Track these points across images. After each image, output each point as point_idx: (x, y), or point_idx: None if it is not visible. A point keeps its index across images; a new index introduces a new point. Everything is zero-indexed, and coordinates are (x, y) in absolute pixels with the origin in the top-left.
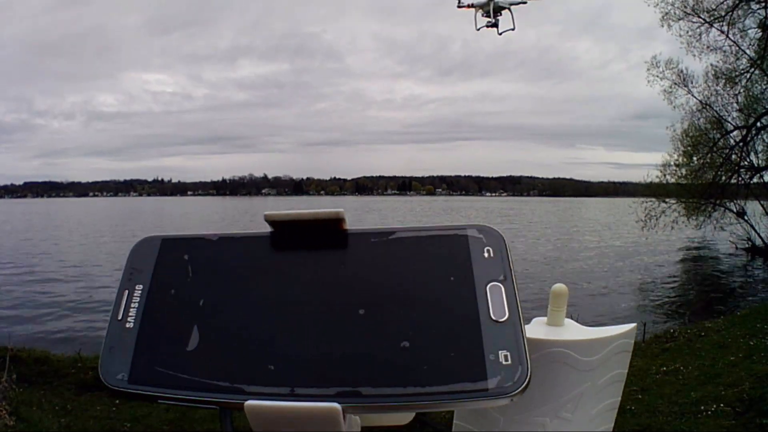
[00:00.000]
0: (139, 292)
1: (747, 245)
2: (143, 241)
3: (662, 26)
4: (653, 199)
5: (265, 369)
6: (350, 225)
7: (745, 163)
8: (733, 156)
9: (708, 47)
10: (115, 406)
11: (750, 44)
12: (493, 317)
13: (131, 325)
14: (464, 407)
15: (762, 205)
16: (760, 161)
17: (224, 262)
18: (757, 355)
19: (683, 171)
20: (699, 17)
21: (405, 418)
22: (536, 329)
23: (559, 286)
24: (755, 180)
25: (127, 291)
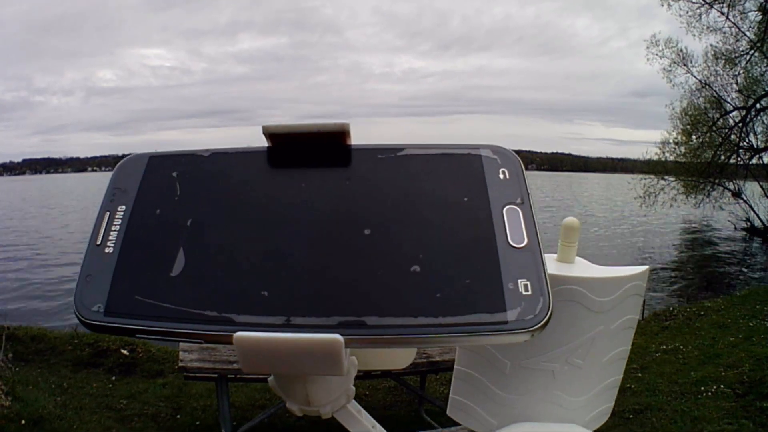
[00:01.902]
0: (121, 213)
1: (746, 225)
2: (128, 159)
3: (662, 5)
4: (652, 176)
5: (258, 296)
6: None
7: (744, 143)
8: (732, 136)
9: (708, 28)
10: (112, 383)
11: (750, 26)
12: (512, 243)
13: (111, 250)
14: (481, 342)
15: (761, 186)
16: (759, 142)
17: (216, 180)
18: (756, 336)
19: (682, 149)
20: None
21: (405, 360)
22: (547, 265)
23: (571, 220)
24: (754, 161)
25: (108, 213)
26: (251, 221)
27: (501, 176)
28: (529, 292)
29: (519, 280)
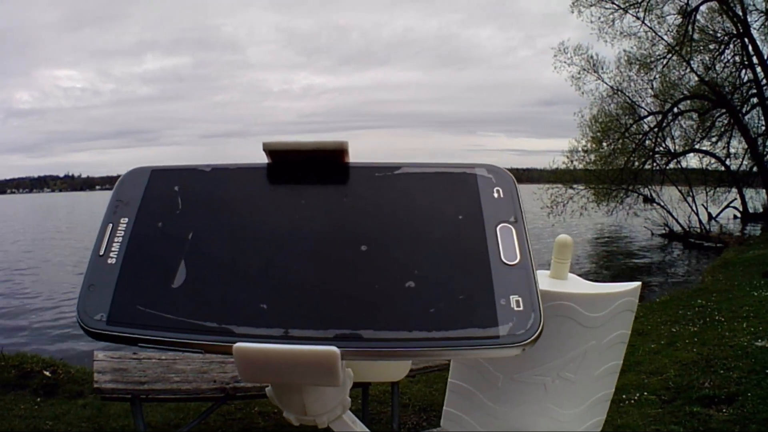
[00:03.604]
0: (124, 225)
1: (664, 231)
2: (131, 172)
3: (572, 12)
4: (560, 185)
5: (257, 309)
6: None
7: (661, 148)
8: (648, 141)
9: (621, 33)
10: (37, 405)
11: (668, 30)
12: (504, 260)
13: (113, 261)
14: (473, 356)
15: (679, 190)
16: (677, 147)
17: (217, 195)
18: (680, 342)
19: (592, 157)
20: (613, 3)
21: (399, 373)
22: (539, 281)
23: (564, 237)
24: (672, 165)
25: (111, 225)
26: (251, 236)
27: (495, 195)
28: (521, 308)
29: (511, 296)
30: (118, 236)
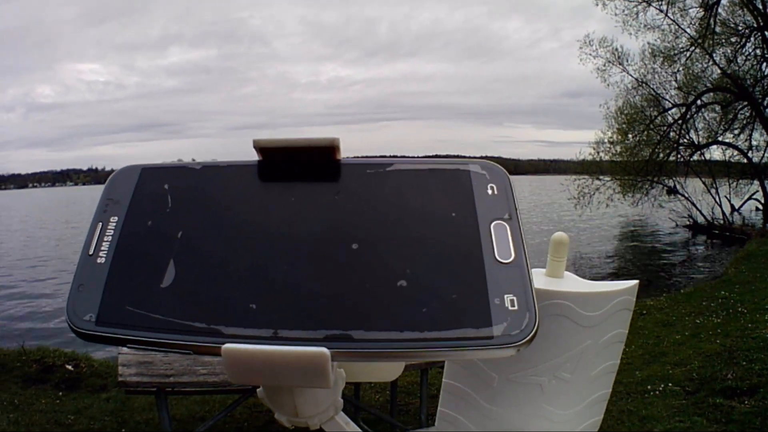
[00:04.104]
0: (114, 224)
1: (688, 222)
2: (121, 170)
3: (596, 5)
4: (586, 177)
5: (246, 309)
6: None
7: (685, 140)
8: (672, 133)
9: (645, 26)
10: (59, 399)
11: (691, 23)
12: (498, 258)
13: (103, 260)
14: (466, 357)
15: (703, 182)
16: (700, 139)
17: (207, 193)
18: (704, 333)
19: (618, 148)
20: None
21: (393, 373)
22: (535, 280)
23: (560, 235)
24: (696, 157)
25: (101, 223)
26: (241, 235)
27: (489, 192)
28: (516, 308)
29: (505, 296)
30: (108, 235)
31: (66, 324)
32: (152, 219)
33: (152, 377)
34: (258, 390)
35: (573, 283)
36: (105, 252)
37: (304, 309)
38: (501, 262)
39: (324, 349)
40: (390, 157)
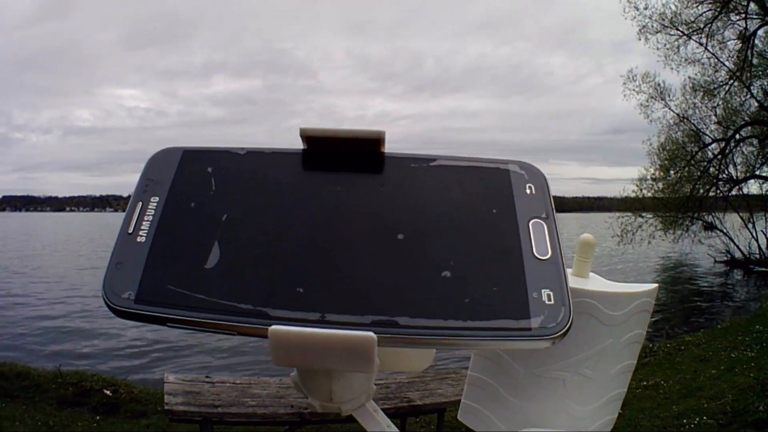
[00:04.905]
0: (155, 204)
1: (726, 258)
2: (162, 151)
3: (639, 39)
4: (629, 214)
5: (293, 292)
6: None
7: (724, 175)
8: (711, 169)
9: (686, 60)
10: (96, 423)
11: (729, 56)
12: (536, 254)
13: (143, 239)
14: (505, 347)
15: (741, 217)
16: (738, 173)
17: (251, 178)
18: (739, 367)
19: (660, 185)
20: (677, 30)
21: (422, 364)
22: None
23: (587, 236)
24: (734, 192)
25: (140, 203)
26: (286, 220)
27: (528, 191)
28: (552, 302)
29: (543, 290)
30: (148, 215)
31: (103, 302)
32: (195, 200)
33: (199, 407)
34: (291, 375)
35: (598, 283)
36: (145, 231)
37: (351, 294)
38: (539, 259)
39: (371, 334)
40: (432, 153)
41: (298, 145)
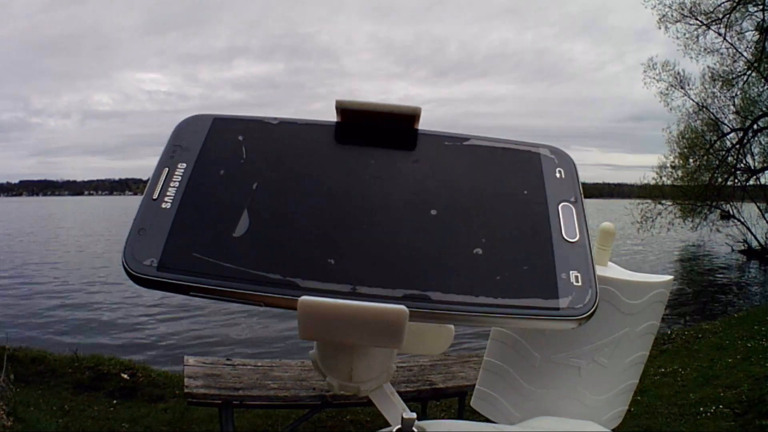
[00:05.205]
0: (182, 170)
1: (743, 247)
2: (192, 118)
3: (659, 28)
4: (649, 201)
5: (324, 263)
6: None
7: (742, 165)
8: (729, 158)
9: (705, 49)
10: (113, 407)
11: (747, 47)
12: (565, 237)
13: (168, 205)
14: (534, 326)
15: (758, 207)
16: (756, 163)
17: (284, 148)
18: (755, 356)
19: (679, 173)
20: (696, 19)
21: (441, 346)
22: None
23: (608, 225)
24: (751, 182)
25: (167, 169)
26: (319, 191)
27: (558, 175)
28: (580, 284)
29: (571, 272)
30: (175, 181)
31: (123, 269)
32: (225, 168)
33: (220, 390)
34: (311, 353)
35: (617, 271)
36: (171, 197)
37: (383, 267)
38: (567, 241)
39: (403, 307)
40: (466, 133)
41: None
